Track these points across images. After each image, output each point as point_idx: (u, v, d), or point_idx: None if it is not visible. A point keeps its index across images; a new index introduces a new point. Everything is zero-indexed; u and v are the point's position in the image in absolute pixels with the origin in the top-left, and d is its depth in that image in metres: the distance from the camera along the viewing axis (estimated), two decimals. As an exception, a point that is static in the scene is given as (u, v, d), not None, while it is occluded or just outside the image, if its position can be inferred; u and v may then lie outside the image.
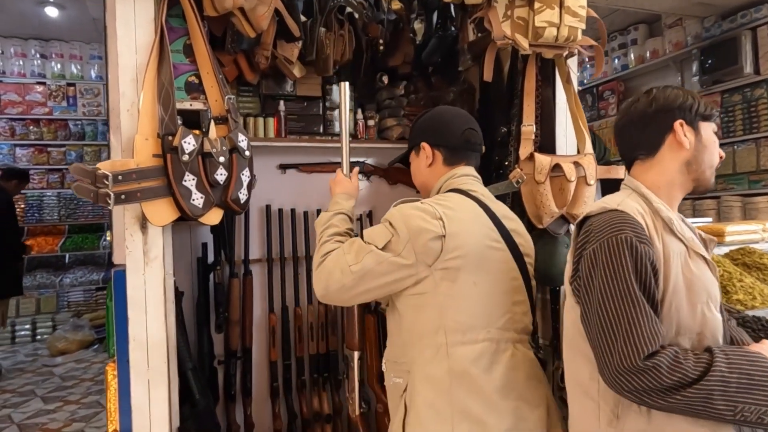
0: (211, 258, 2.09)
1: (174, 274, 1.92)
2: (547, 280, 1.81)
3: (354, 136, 2.25)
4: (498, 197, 1.83)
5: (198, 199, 1.38)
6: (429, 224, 1.16)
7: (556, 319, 1.89)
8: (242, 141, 1.47)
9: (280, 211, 2.19)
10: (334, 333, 2.24)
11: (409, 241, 1.15)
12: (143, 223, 1.39)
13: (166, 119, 1.36)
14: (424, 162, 1.37)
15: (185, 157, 1.35)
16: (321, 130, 2.19)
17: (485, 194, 1.33)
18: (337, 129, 2.22)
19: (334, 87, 2.22)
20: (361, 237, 1.23)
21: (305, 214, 2.23)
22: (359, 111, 2.24)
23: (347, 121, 1.65)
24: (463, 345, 1.17)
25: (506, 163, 1.97)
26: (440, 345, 1.17)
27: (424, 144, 1.36)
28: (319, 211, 2.27)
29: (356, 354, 1.69)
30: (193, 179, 1.37)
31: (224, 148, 1.42)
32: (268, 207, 2.17)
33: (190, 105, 1.48)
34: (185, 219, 1.41)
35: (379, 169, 2.38)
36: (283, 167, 2.24)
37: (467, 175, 1.34)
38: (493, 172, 2.05)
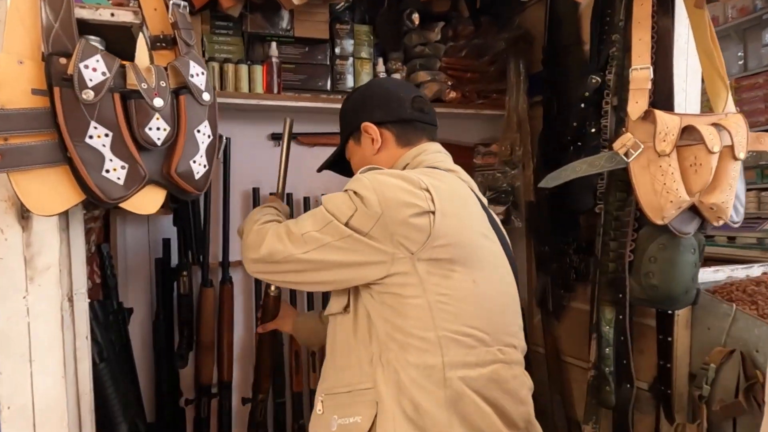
0: (175, 260, 1.53)
1: (117, 282, 1.36)
2: (661, 300, 1.22)
3: (373, 96, 1.66)
4: (580, 180, 1.25)
5: (116, 169, 0.81)
6: (411, 195, 0.88)
7: (665, 355, 1.31)
8: (197, 75, 0.89)
9: (272, 196, 1.61)
10: (344, 361, 1.67)
11: (382, 217, 0.87)
12: (23, 210, 0.82)
13: (56, 28, 0.78)
14: (370, 148, 1.06)
15: (87, 95, 0.77)
16: (328, 86, 1.61)
17: (467, 179, 1.04)
18: (348, 84, 1.63)
19: (346, 29, 1.62)
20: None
21: (305, 200, 1.66)
22: (380, 61, 1.65)
23: (285, 150, 1.38)
24: (466, 368, 0.89)
25: (593, 130, 1.37)
26: (432, 367, 0.88)
27: (366, 124, 1.05)
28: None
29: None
30: (107, 135, 0.80)
31: (163, 84, 0.84)
32: (255, 191, 1.59)
33: (112, 15, 0.89)
34: (96, 205, 0.84)
35: (404, 143, 1.79)
36: (276, 137, 1.66)
37: (440, 152, 1.07)
38: (569, 144, 1.46)
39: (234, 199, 1.60)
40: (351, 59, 1.62)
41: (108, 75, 0.78)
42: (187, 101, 0.87)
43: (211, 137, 0.92)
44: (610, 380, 1.27)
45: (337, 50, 1.60)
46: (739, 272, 1.46)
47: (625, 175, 1.20)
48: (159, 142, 0.84)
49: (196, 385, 1.54)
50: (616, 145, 1.14)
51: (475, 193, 1.02)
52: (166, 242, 1.51)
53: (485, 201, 1.04)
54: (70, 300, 0.92)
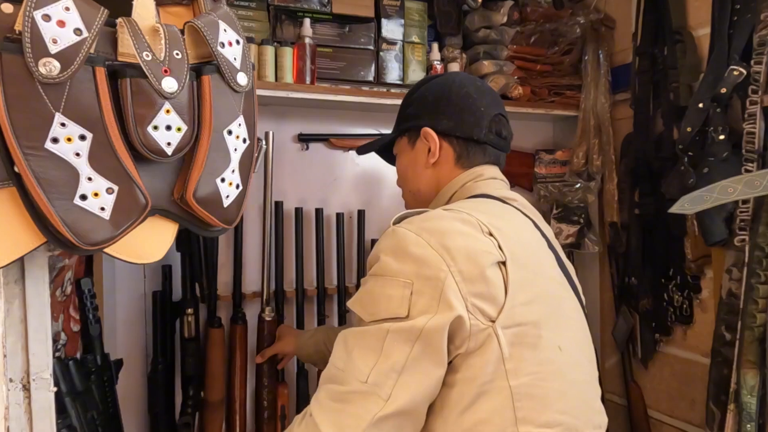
0: (178, 293, 1.20)
1: (101, 328, 1.04)
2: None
3: (425, 90, 1.35)
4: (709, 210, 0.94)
5: (98, 194, 0.49)
6: (478, 241, 0.65)
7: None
8: (231, 45, 0.57)
9: (298, 212, 1.29)
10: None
11: (449, 276, 0.62)
12: (-60, 260, 0.50)
13: (-3, -48, 0.45)
14: (423, 158, 0.84)
15: (49, 67, 0.45)
16: (372, 77, 1.29)
17: (530, 210, 0.83)
18: (395, 75, 1.31)
19: (395, 5, 1.30)
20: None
21: (338, 217, 1.34)
22: (434, 47, 1.34)
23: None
24: None
25: (720, 137, 1.07)
26: None
27: (427, 131, 0.83)
28: (362, 213, 1.37)
29: None
30: (83, 138, 0.48)
31: (178, 55, 0.52)
32: (278, 205, 1.27)
33: (96, -52, 0.57)
34: (69, 249, 0.52)
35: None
36: (305, 139, 1.34)
37: (496, 179, 0.84)
38: (680, 153, 1.15)
39: (249, 216, 1.28)
40: (400, 44, 1.31)
41: (86, 34, 0.46)
42: (214, 85, 0.55)
43: (248, 142, 0.60)
44: (754, 467, 0.96)
45: (384, 32, 1.29)
46: None
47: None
48: (170, 150, 0.52)
49: (202, 453, 1.22)
50: (793, 159, 0.84)
51: (539, 227, 0.80)
52: (167, 271, 1.19)
53: (551, 234, 0.84)
54: (26, 389, 0.59)
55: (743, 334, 0.98)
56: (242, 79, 0.58)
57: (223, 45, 0.55)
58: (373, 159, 1.44)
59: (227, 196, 0.59)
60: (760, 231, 0.96)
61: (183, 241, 1.15)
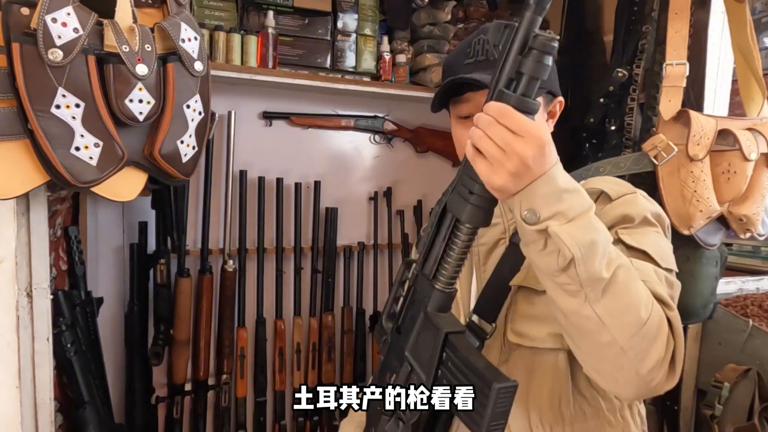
0: (152, 246, 1.39)
1: (85, 269, 1.22)
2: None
3: (375, 78, 1.54)
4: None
5: (88, 147, 0.68)
6: None
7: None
8: (189, 41, 0.75)
9: (261, 180, 1.48)
10: (331, 359, 1.57)
11: None
12: (-29, 190, 0.68)
13: (17, -31, 0.63)
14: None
15: (55, 55, 0.63)
16: (328, 63, 1.47)
17: None
18: (349, 63, 1.50)
19: (350, 2, 1.48)
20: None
21: (297, 186, 1.53)
22: (384, 40, 1.52)
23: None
24: None
25: (613, 127, 1.28)
26: None
27: (562, 101, 0.78)
28: (318, 184, 1.56)
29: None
30: (78, 105, 0.66)
31: (149, 48, 0.71)
32: (242, 174, 1.46)
33: (88, -38, 0.75)
34: (63, 187, 0.71)
35: (404, 130, 1.68)
36: (269, 116, 1.53)
37: None
38: (584, 141, 1.37)
39: (218, 182, 1.47)
40: (354, 36, 1.49)
41: (81, 32, 0.64)
42: (176, 70, 0.74)
43: (203, 114, 0.80)
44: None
45: (340, 24, 1.47)
46: (749, 284, 1.40)
47: (649, 179, 1.12)
48: (141, 117, 0.71)
49: (169, 385, 1.42)
50: (646, 146, 1.05)
51: None
52: (143, 226, 1.37)
53: None
54: (29, 296, 0.78)
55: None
56: (199, 66, 0.77)
57: (183, 41, 0.74)
58: (331, 137, 1.63)
59: (185, 155, 0.78)
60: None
61: (157, 200, 1.33)
